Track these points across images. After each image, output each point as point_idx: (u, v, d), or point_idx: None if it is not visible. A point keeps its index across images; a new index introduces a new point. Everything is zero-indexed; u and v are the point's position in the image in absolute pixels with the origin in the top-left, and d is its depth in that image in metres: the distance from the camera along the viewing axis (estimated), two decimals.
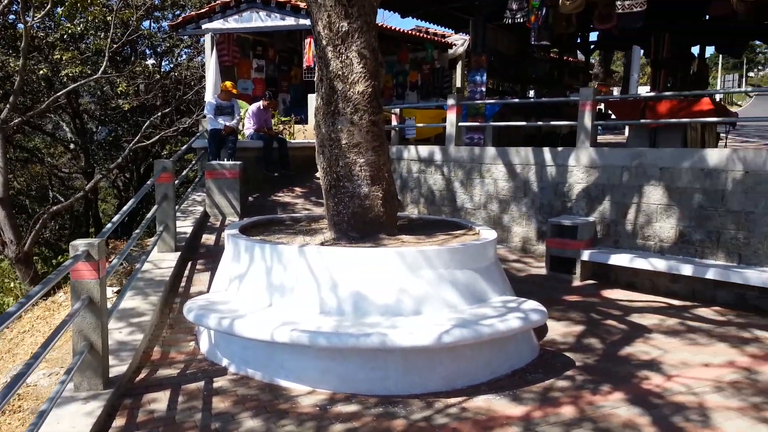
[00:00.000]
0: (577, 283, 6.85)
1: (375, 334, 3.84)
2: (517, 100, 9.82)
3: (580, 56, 16.41)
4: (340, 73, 4.87)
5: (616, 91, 20.55)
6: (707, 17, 8.97)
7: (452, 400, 3.94)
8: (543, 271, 7.21)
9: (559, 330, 5.30)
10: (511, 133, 9.36)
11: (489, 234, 5.06)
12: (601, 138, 15.53)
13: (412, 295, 4.26)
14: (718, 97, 36.62)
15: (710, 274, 6.02)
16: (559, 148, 7.73)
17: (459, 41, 15.28)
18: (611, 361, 4.63)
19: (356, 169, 4.96)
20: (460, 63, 15.46)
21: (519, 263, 7.52)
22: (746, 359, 4.67)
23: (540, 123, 9.14)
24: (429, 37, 15.49)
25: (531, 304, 4.53)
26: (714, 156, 6.47)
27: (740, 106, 48.71)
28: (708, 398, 3.97)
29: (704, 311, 5.94)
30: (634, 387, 4.15)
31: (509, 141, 9.46)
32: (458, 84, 15.43)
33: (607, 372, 4.40)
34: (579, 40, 10.85)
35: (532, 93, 14.50)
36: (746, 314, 5.84)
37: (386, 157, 5.16)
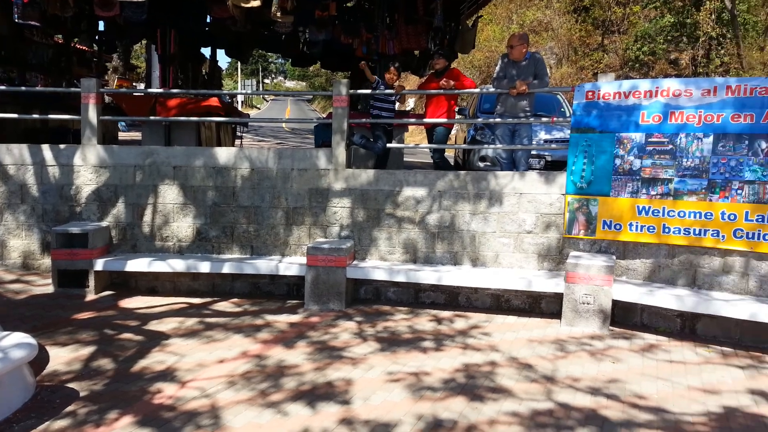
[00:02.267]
0: (91, 297, 6.16)
1: None
2: (3, 87, 8.28)
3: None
4: None
5: (141, 87, 20.03)
6: (210, 19, 9.39)
7: None
8: (50, 289, 6.23)
9: (64, 357, 4.56)
10: (6, 127, 7.83)
11: None
12: (126, 135, 14.83)
13: None
14: (240, 99, 40.30)
15: (226, 269, 6.23)
16: (63, 146, 6.80)
17: None
18: (123, 381, 4.20)
19: None
20: None
21: (19, 283, 6.31)
22: (258, 346, 4.92)
23: (38, 116, 7.92)
24: None
25: (15, 337, 3.70)
26: (223, 154, 6.72)
27: (259, 108, 55.08)
28: (221, 397, 3.96)
29: (223, 305, 6.11)
30: (145, 405, 3.83)
31: (4, 137, 7.91)
32: None
33: (116, 395, 3.95)
34: (86, 26, 9.92)
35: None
36: (260, 301, 6.27)
37: None
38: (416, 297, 6.34)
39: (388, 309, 6.09)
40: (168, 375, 4.31)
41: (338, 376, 4.35)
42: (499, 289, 6.08)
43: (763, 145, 5.12)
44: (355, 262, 6.30)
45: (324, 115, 27.40)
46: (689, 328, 5.51)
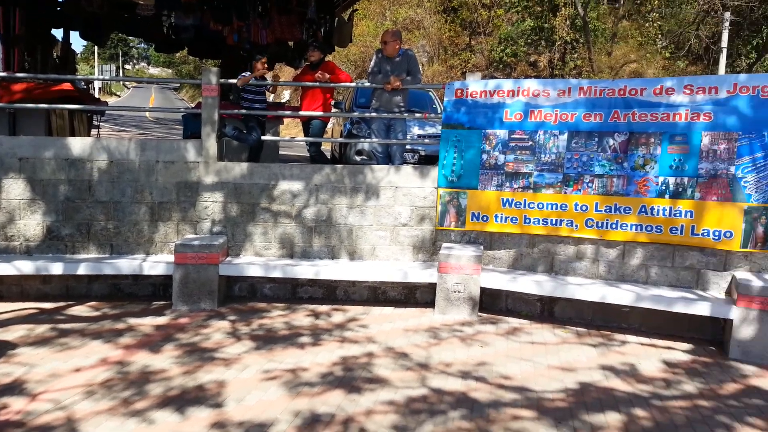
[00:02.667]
0: None
1: None
2: None
3: None
4: None
5: None
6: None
7: None
8: None
9: None
10: None
11: None
12: None
13: None
14: (97, 85, 37.25)
15: (82, 270, 5.74)
16: None
17: None
18: None
19: None
20: None
21: None
22: (120, 352, 4.59)
23: None
24: None
25: None
26: (77, 145, 6.17)
27: (119, 96, 51.35)
28: (78, 408, 3.64)
29: (79, 309, 5.63)
30: None
31: None
32: None
33: None
34: None
35: None
36: (121, 304, 5.85)
37: None
38: (293, 292, 6.25)
39: (264, 306, 5.94)
40: (16, 388, 3.89)
41: (210, 378, 4.16)
42: (376, 282, 6.16)
43: (611, 142, 5.62)
44: (228, 259, 6.07)
45: (193, 105, 26.18)
46: (548, 311, 5.93)
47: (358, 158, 7.90)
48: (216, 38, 9.71)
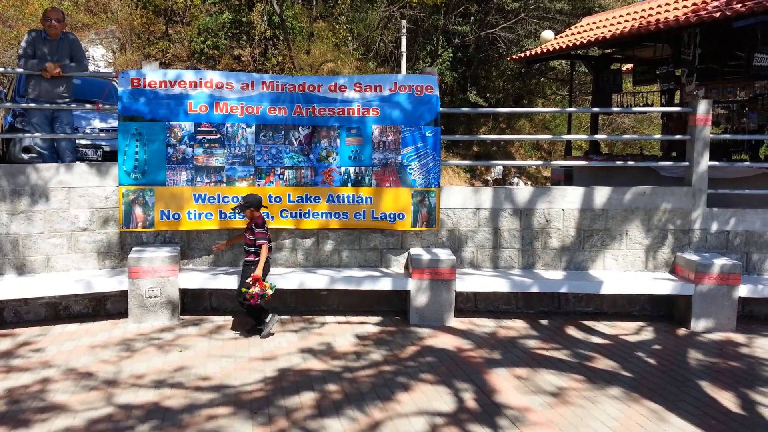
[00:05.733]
0: None
1: None
2: None
3: None
4: None
5: None
6: None
7: None
8: None
9: None
10: None
11: None
12: None
13: None
14: None
15: None
16: None
17: None
18: None
19: None
20: None
21: None
22: None
23: None
24: None
25: None
26: None
27: None
28: None
29: None
30: None
31: None
32: None
33: None
34: None
35: None
36: None
37: None
38: None
39: None
40: None
41: None
42: (55, 297, 5.42)
43: (297, 135, 5.85)
44: None
45: None
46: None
47: (26, 156, 6.83)
48: None
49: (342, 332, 5.34)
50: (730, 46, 9.08)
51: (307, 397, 3.98)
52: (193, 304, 5.78)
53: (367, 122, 5.87)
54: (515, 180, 17.19)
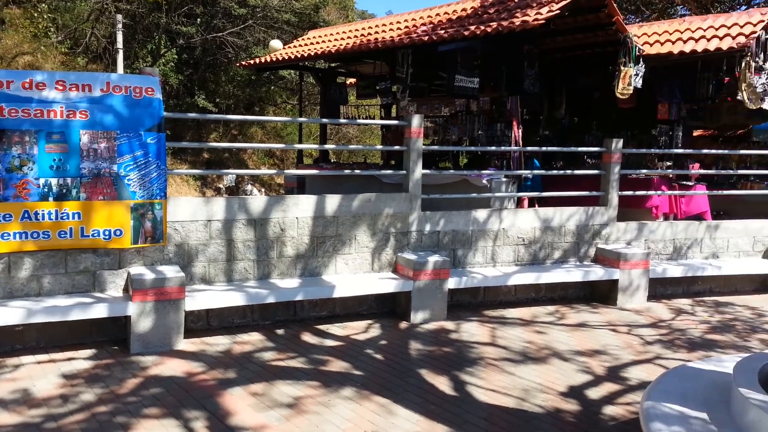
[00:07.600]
0: None
1: None
2: None
3: None
4: None
5: None
6: None
7: None
8: None
9: None
10: None
11: None
12: None
13: None
14: None
15: None
16: None
17: None
18: None
19: None
20: None
21: None
22: None
23: None
24: None
25: None
26: None
27: None
28: None
29: None
30: None
31: None
32: None
33: None
34: None
35: None
36: None
37: None
38: None
39: None
40: None
41: None
42: None
43: None
44: None
45: None
46: None
47: None
48: None
49: (44, 373, 4.51)
50: (436, 67, 10.20)
51: None
52: None
53: (72, 127, 5.06)
54: (249, 188, 17.02)
